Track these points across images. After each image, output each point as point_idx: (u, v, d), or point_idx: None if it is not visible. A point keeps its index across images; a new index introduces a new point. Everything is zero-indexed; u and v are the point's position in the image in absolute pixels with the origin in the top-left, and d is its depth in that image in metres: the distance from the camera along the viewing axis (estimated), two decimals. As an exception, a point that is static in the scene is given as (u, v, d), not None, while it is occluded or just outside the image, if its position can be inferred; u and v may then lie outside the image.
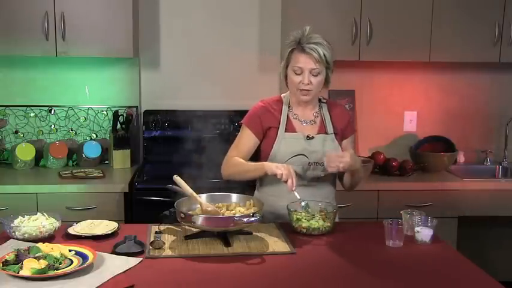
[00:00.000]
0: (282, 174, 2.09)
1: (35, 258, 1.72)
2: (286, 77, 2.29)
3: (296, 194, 2.12)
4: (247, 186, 2.43)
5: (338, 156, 2.15)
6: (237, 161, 2.28)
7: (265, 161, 2.30)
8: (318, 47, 2.17)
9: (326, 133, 2.32)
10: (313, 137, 2.28)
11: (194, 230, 2.08)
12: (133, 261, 1.83)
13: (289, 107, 2.34)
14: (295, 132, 2.30)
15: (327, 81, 2.28)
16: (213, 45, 3.57)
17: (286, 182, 2.10)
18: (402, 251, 2.00)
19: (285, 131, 2.29)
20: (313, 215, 2.12)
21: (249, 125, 2.32)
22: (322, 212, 2.15)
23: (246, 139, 2.32)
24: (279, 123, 2.30)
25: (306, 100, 2.28)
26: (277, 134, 2.29)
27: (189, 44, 3.56)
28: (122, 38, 3.17)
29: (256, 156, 2.35)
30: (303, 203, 2.14)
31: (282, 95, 2.38)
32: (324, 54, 2.18)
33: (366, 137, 3.69)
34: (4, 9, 3.08)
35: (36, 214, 2.11)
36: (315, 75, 2.21)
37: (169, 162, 3.21)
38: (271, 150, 2.28)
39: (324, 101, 2.39)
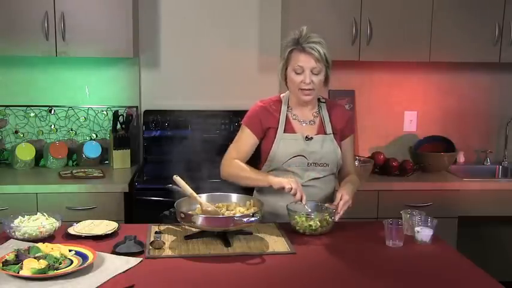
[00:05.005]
0: (290, 189, 2.10)
1: (35, 258, 1.72)
2: (285, 78, 2.29)
3: (306, 207, 2.13)
4: (246, 187, 2.42)
5: (343, 205, 2.16)
6: (238, 164, 2.28)
7: (265, 161, 2.31)
8: (317, 46, 2.17)
9: (325, 133, 2.31)
10: (312, 138, 2.28)
11: (194, 230, 2.08)
12: (133, 261, 1.83)
13: (288, 107, 2.34)
14: (295, 132, 2.30)
15: (326, 81, 2.27)
16: (213, 45, 3.57)
17: (294, 195, 2.11)
18: (402, 251, 2.00)
19: (284, 132, 2.29)
20: (313, 215, 2.12)
21: (248, 125, 2.32)
22: (322, 213, 2.14)
23: (246, 139, 2.32)
24: (278, 124, 2.30)
25: (307, 100, 2.27)
26: (276, 134, 2.29)
27: (189, 44, 3.56)
28: (122, 38, 3.17)
29: (257, 157, 2.35)
30: (312, 215, 2.14)
31: (281, 95, 2.38)
32: (324, 53, 2.18)
33: (366, 137, 3.69)
34: (4, 9, 3.08)
35: (36, 214, 2.11)
36: (315, 74, 2.20)
37: (169, 162, 3.21)
38: (270, 151, 2.28)
39: (323, 100, 2.39)
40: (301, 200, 2.11)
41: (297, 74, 2.21)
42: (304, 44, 2.18)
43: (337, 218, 2.15)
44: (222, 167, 2.32)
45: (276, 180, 2.16)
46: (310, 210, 2.14)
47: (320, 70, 2.20)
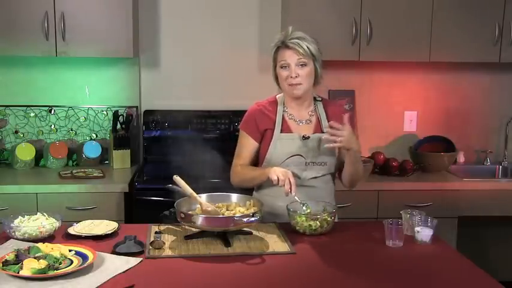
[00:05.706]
0: (277, 180, 2.09)
1: (35, 258, 1.72)
2: (277, 77, 2.31)
3: (296, 198, 2.12)
4: (248, 187, 2.42)
5: (337, 131, 2.10)
6: (241, 169, 2.30)
7: (262, 162, 2.31)
8: (300, 41, 2.20)
9: (322, 132, 2.31)
10: (309, 137, 2.28)
11: (194, 230, 2.08)
12: (133, 261, 1.83)
13: (284, 107, 2.34)
14: (291, 132, 2.30)
15: (317, 77, 2.27)
16: (213, 45, 3.57)
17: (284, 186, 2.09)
18: (402, 251, 2.00)
19: (281, 132, 2.29)
20: (313, 215, 2.12)
21: (245, 129, 2.33)
22: (322, 212, 2.14)
23: (246, 144, 2.32)
24: (275, 125, 2.30)
25: (298, 95, 2.26)
26: (272, 135, 2.29)
27: (189, 44, 3.56)
28: (122, 38, 3.17)
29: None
30: (303, 207, 2.14)
31: (277, 96, 2.38)
32: (308, 47, 2.20)
33: (366, 137, 3.68)
34: (4, 9, 3.08)
35: (36, 214, 2.11)
36: (301, 66, 2.21)
37: (169, 162, 3.21)
38: (266, 152, 2.28)
39: (319, 99, 2.38)
40: (290, 192, 2.08)
41: (284, 69, 2.24)
42: (287, 41, 2.22)
43: (326, 144, 2.11)
44: (231, 177, 2.34)
45: (267, 171, 2.16)
46: (299, 201, 2.12)
47: (306, 63, 2.21)
